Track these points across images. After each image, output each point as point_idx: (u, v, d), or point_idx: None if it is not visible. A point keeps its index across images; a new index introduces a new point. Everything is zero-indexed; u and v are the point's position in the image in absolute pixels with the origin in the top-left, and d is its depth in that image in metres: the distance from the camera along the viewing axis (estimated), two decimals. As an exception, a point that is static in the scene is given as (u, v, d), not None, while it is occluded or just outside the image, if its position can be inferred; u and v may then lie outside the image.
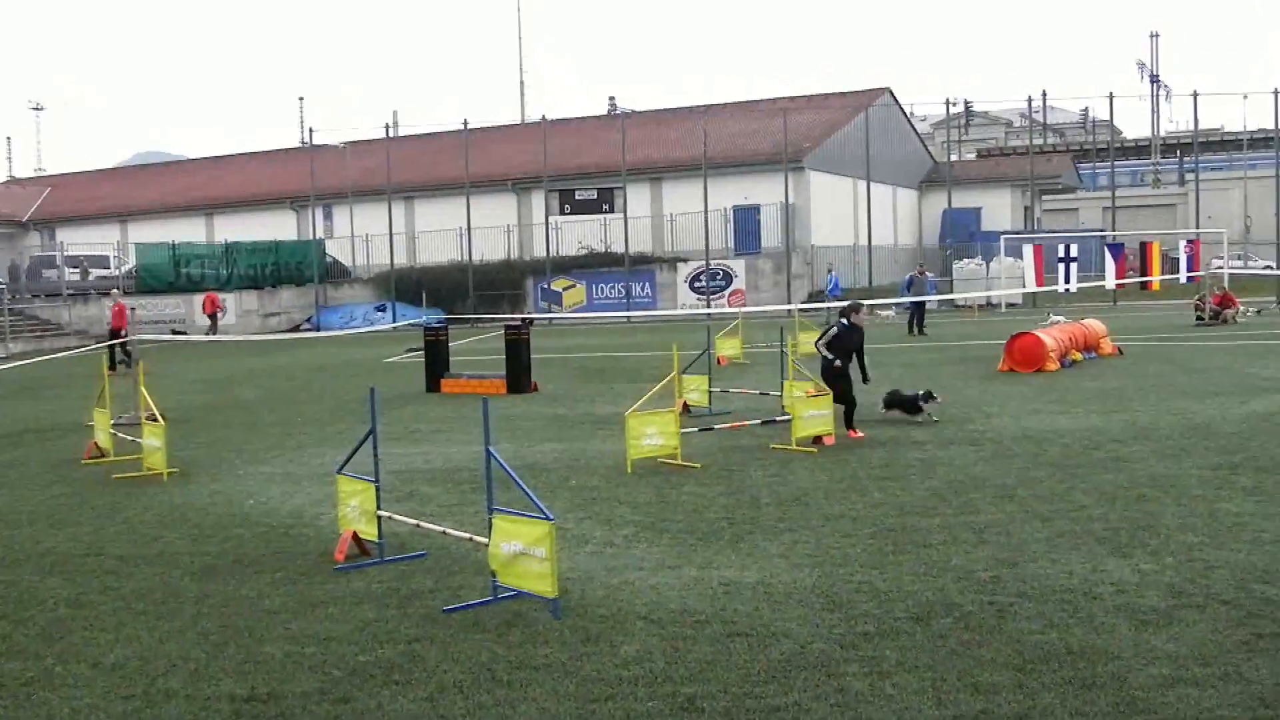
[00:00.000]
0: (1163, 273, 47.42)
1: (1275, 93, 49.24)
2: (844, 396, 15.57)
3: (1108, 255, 46.30)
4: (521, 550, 7.99)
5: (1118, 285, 46.22)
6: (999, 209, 63.24)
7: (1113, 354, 25.98)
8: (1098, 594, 8.14)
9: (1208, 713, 6.07)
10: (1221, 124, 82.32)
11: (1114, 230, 51.50)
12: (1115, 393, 19.24)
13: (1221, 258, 48.98)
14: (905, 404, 16.75)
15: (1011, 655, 6.97)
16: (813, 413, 14.77)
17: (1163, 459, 13.25)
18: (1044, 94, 55.23)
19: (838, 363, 15.63)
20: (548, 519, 7.82)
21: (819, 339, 16.28)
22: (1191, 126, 57.44)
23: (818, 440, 14.69)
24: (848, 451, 14.30)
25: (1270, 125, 53.00)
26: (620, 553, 9.75)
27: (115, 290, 37.64)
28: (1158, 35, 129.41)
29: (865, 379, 16.07)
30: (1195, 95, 51.26)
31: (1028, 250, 47.35)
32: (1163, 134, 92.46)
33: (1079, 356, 24.63)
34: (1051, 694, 6.36)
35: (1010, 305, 47.53)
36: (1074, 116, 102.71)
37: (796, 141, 52.46)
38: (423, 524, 9.84)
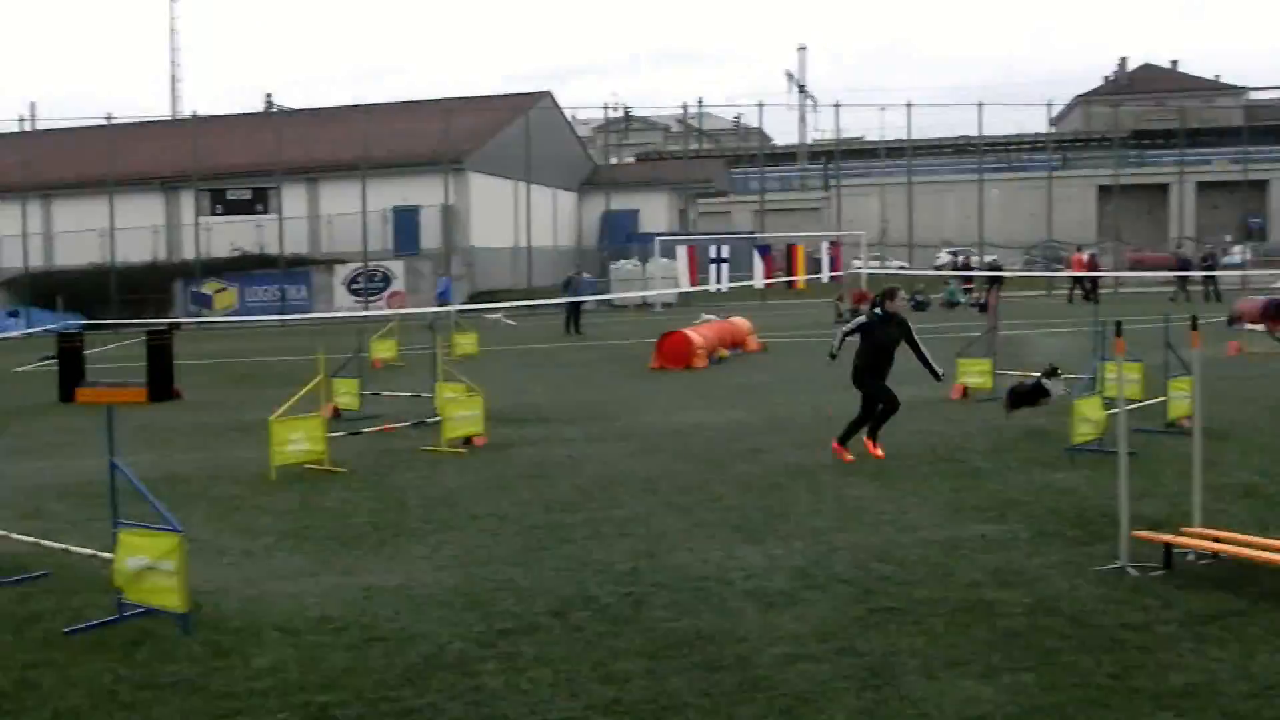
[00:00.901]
0: (807, 272, 50.05)
1: (908, 106, 53.21)
2: (868, 404, 13.28)
3: (756, 256, 48.52)
4: (149, 564, 7.63)
5: (766, 284, 48.44)
6: (656, 211, 65.00)
7: (758, 350, 27.20)
8: (729, 580, 8.48)
9: (823, 685, 6.43)
10: (862, 134, 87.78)
11: (763, 232, 53.97)
12: (758, 387, 20.14)
13: (860, 258, 52.09)
14: (1029, 397, 14.81)
15: (644, 644, 7.17)
16: (463, 414, 14.76)
17: (797, 449, 13.95)
18: (699, 101, 57.43)
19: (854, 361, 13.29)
20: (176, 530, 7.50)
21: (843, 331, 13.70)
22: (835, 135, 60.85)
23: (468, 441, 14.68)
24: (497, 451, 14.35)
25: (904, 135, 56.92)
26: (259, 562, 9.46)
27: None
28: (805, 48, 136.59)
29: (936, 376, 13.81)
30: (838, 106, 54.91)
31: (681, 251, 49.05)
32: (809, 142, 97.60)
33: (726, 353, 25.64)
34: (680, 678, 6.59)
35: (665, 305, 48.93)
36: (728, 123, 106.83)
37: (457, 143, 52.32)
38: (42, 542, 9.26)
